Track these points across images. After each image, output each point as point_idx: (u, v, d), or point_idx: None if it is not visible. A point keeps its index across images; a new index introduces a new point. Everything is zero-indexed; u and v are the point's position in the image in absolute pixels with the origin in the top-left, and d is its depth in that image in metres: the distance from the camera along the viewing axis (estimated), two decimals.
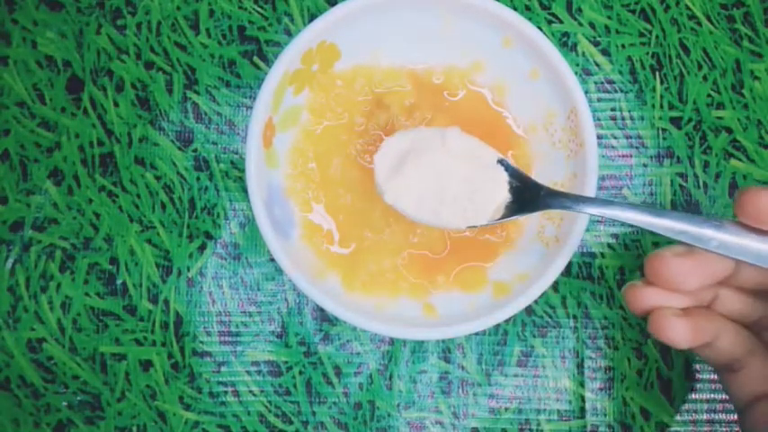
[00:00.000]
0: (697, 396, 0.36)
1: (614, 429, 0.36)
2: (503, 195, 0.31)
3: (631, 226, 0.37)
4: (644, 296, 0.27)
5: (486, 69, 0.35)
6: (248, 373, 0.36)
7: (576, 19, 0.39)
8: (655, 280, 0.27)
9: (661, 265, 0.26)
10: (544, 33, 0.33)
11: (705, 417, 0.36)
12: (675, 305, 0.27)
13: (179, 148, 0.38)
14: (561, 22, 0.39)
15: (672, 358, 0.36)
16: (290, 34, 0.38)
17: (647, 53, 0.38)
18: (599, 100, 0.38)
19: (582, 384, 0.36)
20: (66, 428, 0.36)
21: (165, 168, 0.37)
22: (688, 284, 0.26)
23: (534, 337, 0.36)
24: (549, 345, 0.36)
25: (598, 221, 0.37)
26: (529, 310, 0.37)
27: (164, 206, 0.37)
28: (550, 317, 0.37)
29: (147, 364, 0.36)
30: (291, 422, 0.36)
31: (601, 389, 0.36)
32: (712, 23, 0.38)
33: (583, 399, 0.36)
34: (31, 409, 0.36)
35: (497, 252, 0.35)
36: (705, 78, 0.38)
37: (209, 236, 0.37)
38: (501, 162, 0.32)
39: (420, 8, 0.34)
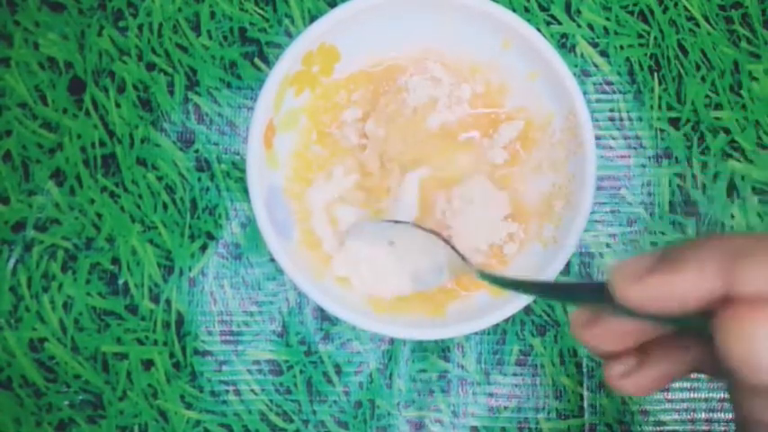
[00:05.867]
0: (695, 395, 0.36)
1: (613, 428, 0.36)
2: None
3: (629, 226, 0.37)
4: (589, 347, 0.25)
5: (486, 71, 0.36)
6: (249, 372, 0.36)
7: (574, 20, 0.39)
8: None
9: (574, 333, 0.24)
10: (543, 35, 0.33)
11: (703, 416, 0.36)
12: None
13: (180, 149, 0.38)
14: (560, 23, 0.39)
15: None
16: (290, 36, 0.39)
17: (646, 54, 0.39)
18: (597, 101, 0.38)
19: (580, 383, 0.36)
20: (68, 427, 0.36)
21: (166, 169, 0.38)
22: (607, 349, 0.23)
23: (533, 336, 0.37)
24: (547, 344, 0.37)
25: (598, 222, 0.37)
26: (528, 310, 0.37)
27: (165, 206, 0.37)
28: (549, 316, 0.37)
29: (148, 364, 0.36)
30: (292, 421, 0.36)
31: (599, 387, 0.36)
32: (710, 24, 0.39)
33: (581, 397, 0.36)
34: (32, 409, 0.36)
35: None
36: (703, 79, 0.38)
37: (210, 236, 0.37)
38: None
39: (419, 10, 0.34)
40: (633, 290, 0.20)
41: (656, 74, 0.38)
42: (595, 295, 0.23)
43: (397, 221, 0.34)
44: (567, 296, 0.26)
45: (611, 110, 0.38)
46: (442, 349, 0.37)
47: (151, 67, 0.38)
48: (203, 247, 0.37)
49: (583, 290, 0.24)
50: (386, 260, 0.34)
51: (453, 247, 0.32)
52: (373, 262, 0.34)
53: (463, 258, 0.32)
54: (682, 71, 0.38)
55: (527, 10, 0.39)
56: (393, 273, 0.34)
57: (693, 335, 0.23)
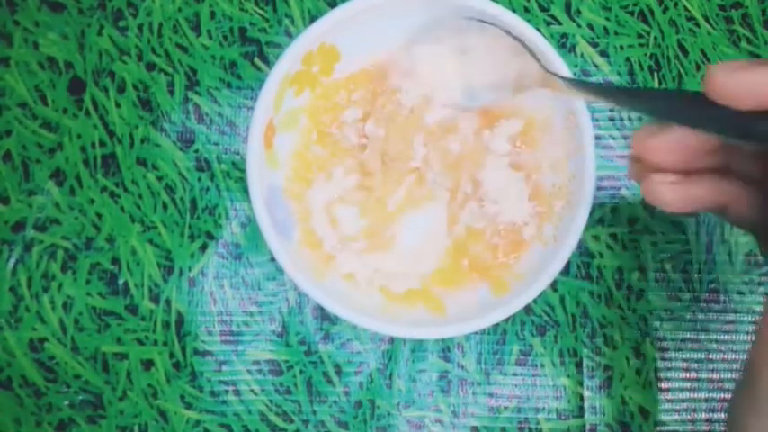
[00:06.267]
0: (696, 395, 0.36)
1: (613, 428, 0.36)
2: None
3: (629, 226, 0.37)
4: (635, 170, 0.27)
5: None
6: (249, 372, 0.36)
7: (574, 20, 0.39)
8: (637, 158, 0.27)
9: (634, 143, 0.26)
10: (543, 35, 0.33)
11: (704, 416, 0.36)
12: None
13: (180, 149, 0.38)
14: (560, 23, 0.39)
15: (671, 357, 0.36)
16: (290, 36, 0.39)
17: (646, 54, 0.39)
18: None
19: (580, 383, 0.36)
20: (68, 428, 0.36)
21: (166, 169, 0.38)
22: (664, 161, 0.26)
23: (533, 336, 0.37)
24: (547, 344, 0.37)
25: (598, 222, 0.37)
26: (528, 310, 0.37)
27: (165, 206, 0.37)
28: (549, 316, 0.37)
29: (148, 364, 0.36)
30: (292, 421, 0.36)
31: (599, 388, 0.36)
32: (710, 24, 0.39)
33: (581, 398, 0.36)
34: (32, 409, 0.36)
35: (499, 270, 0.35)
36: (703, 79, 0.38)
37: (210, 236, 0.37)
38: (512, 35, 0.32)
39: (419, 11, 0.34)
40: (729, 79, 0.23)
41: (656, 74, 0.38)
42: (679, 104, 0.25)
43: (484, 21, 0.32)
44: (647, 105, 0.26)
45: (612, 110, 0.38)
46: (442, 349, 0.37)
47: (151, 67, 0.38)
48: (203, 247, 0.37)
49: (667, 98, 0.26)
50: (449, 68, 0.32)
51: (535, 56, 0.31)
52: (435, 69, 0.32)
53: (546, 69, 0.31)
54: (682, 71, 0.38)
55: (527, 10, 0.39)
56: (449, 83, 0.33)
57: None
